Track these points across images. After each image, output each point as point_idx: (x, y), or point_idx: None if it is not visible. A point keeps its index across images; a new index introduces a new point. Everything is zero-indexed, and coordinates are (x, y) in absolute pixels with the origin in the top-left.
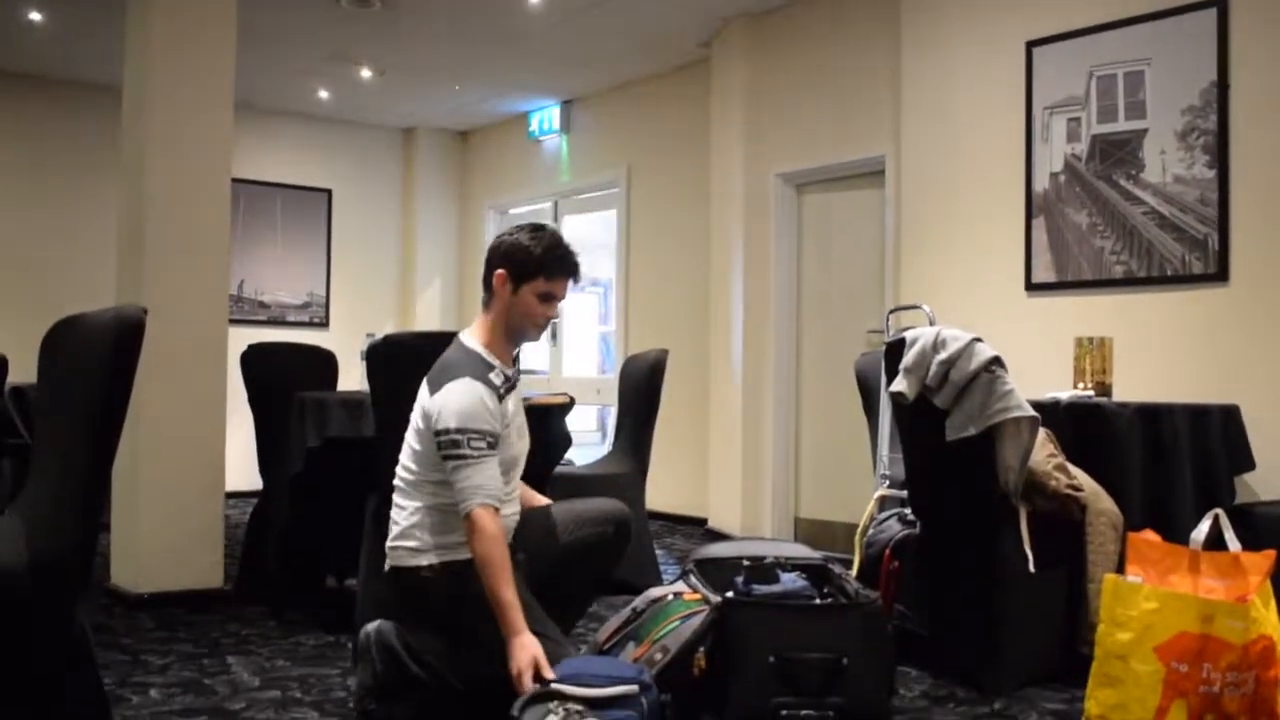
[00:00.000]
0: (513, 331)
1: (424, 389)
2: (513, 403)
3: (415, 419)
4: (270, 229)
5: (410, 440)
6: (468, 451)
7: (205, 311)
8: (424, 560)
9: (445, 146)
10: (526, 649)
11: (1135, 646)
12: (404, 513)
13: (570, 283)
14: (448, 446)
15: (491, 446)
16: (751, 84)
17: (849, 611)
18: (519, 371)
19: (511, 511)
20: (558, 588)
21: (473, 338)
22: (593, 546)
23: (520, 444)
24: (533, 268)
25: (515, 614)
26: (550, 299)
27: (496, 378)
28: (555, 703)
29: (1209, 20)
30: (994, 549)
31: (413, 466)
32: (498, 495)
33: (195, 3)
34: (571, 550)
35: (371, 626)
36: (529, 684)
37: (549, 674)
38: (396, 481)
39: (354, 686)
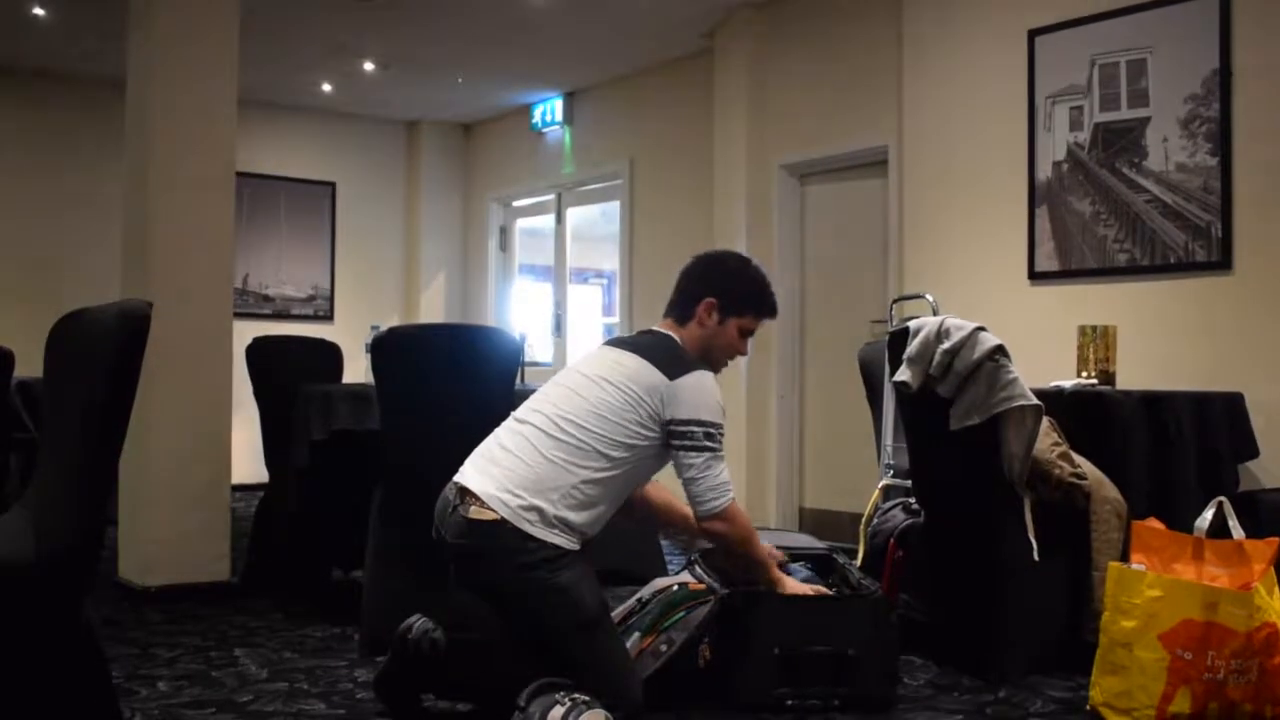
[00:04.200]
0: (708, 359)
1: (643, 364)
2: None
3: (616, 381)
4: (274, 222)
5: (594, 399)
6: (717, 446)
7: (210, 305)
8: (541, 533)
9: (448, 139)
10: (792, 585)
11: (1139, 634)
12: (549, 466)
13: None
14: (698, 438)
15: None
16: (754, 75)
17: (853, 602)
18: None
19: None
20: None
21: (679, 339)
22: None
23: None
24: (747, 304)
25: (773, 565)
26: (749, 335)
27: None
28: (562, 693)
29: (1211, 7)
30: (998, 538)
31: (594, 429)
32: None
33: None
34: None
35: (417, 627)
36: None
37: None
38: (546, 429)
39: (381, 667)
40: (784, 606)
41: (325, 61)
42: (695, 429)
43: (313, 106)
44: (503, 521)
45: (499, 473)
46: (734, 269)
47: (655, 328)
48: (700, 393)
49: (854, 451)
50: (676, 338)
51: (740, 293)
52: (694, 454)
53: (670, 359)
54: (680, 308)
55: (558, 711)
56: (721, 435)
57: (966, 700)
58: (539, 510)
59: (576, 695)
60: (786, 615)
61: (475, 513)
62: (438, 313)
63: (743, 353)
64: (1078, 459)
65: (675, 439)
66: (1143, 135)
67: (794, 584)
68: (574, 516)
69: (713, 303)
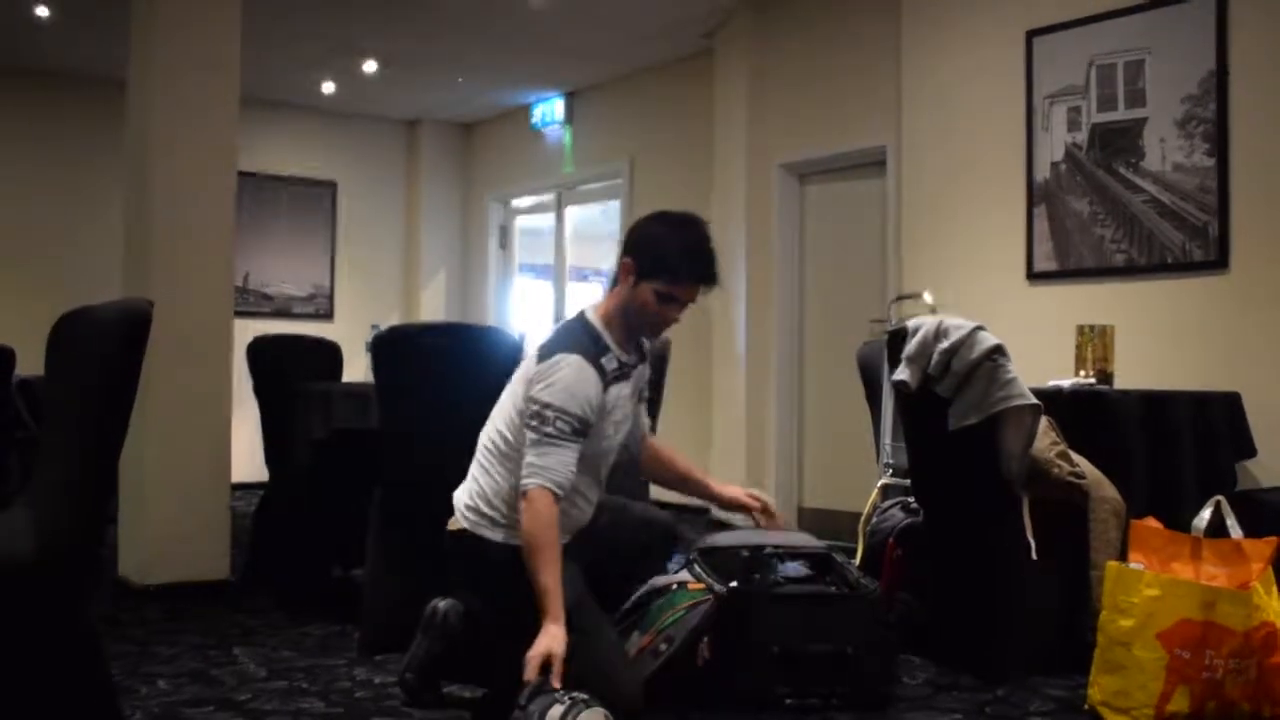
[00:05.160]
0: (630, 324)
1: (531, 356)
2: (619, 391)
3: (516, 387)
4: (275, 221)
5: (508, 408)
6: (550, 430)
7: (211, 304)
8: (497, 536)
9: (449, 138)
10: (546, 638)
11: (1138, 633)
12: (489, 479)
13: (701, 289)
14: (534, 417)
15: (577, 433)
16: (754, 74)
17: (851, 601)
18: (641, 359)
19: (586, 505)
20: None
21: (596, 315)
22: (635, 552)
23: (615, 438)
24: (659, 266)
25: (552, 600)
26: (672, 301)
27: (609, 362)
28: (560, 691)
29: (1208, 9)
30: (996, 537)
31: (509, 436)
32: (563, 482)
33: None
34: (611, 548)
35: (444, 605)
36: (532, 673)
37: (555, 679)
38: (485, 444)
39: (409, 652)
40: (783, 606)
41: (326, 61)
42: (532, 407)
43: (313, 106)
44: (464, 532)
45: (468, 485)
46: (654, 231)
47: (584, 307)
48: (548, 375)
49: (853, 451)
50: (595, 314)
51: (653, 254)
52: (528, 431)
53: (552, 344)
54: (615, 270)
55: (556, 710)
56: (559, 420)
57: (965, 699)
58: (492, 520)
59: (575, 694)
60: (786, 614)
61: (450, 524)
62: (438, 311)
63: (669, 320)
64: (1076, 458)
65: (528, 416)
66: (1140, 135)
67: (550, 636)
68: (518, 518)
69: (629, 263)
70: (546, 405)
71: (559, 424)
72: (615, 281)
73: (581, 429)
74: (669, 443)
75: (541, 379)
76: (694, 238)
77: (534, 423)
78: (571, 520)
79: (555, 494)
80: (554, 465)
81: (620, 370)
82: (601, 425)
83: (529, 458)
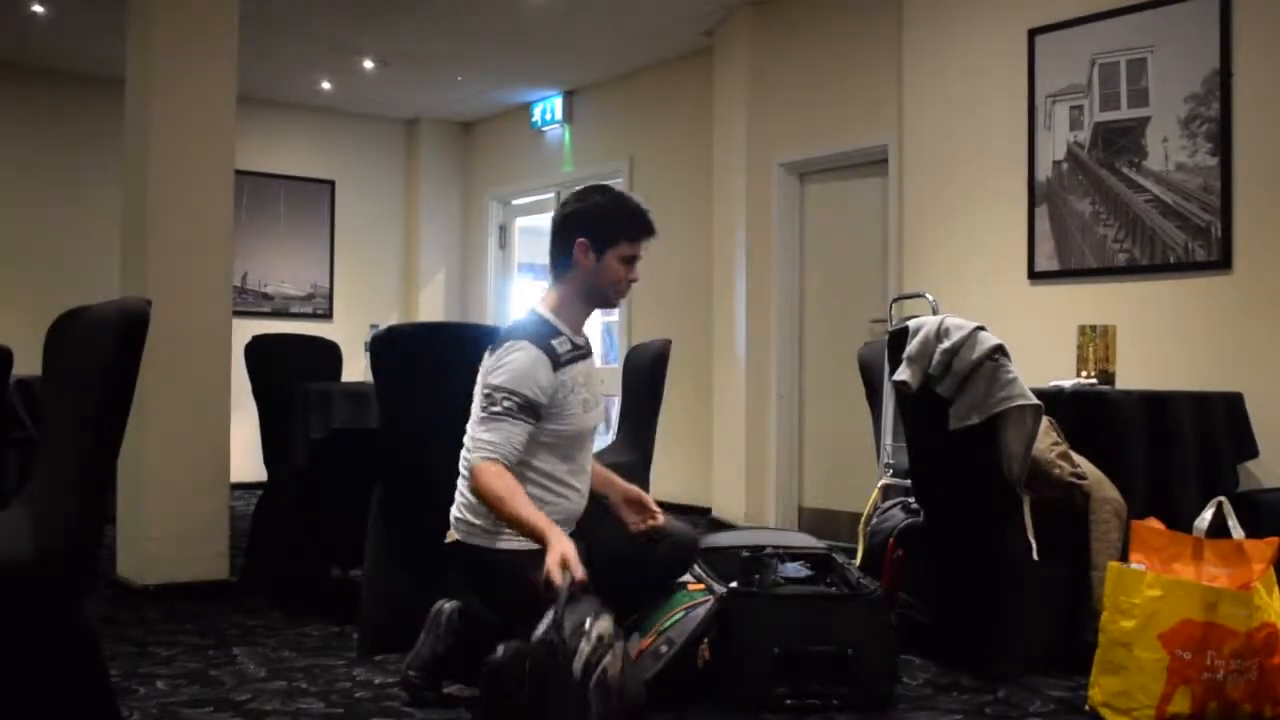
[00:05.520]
0: (593, 299)
1: (486, 354)
2: (578, 372)
3: (477, 389)
4: (274, 220)
5: (477, 413)
6: (495, 408)
7: (209, 303)
8: (492, 543)
9: (448, 137)
10: (553, 552)
11: (1139, 634)
12: (469, 485)
13: (646, 241)
14: (484, 399)
15: (524, 411)
16: (754, 73)
17: (851, 602)
18: (588, 343)
19: (576, 494)
20: (604, 590)
21: (544, 305)
22: (652, 561)
23: (586, 417)
24: (617, 232)
25: (540, 524)
26: (633, 261)
27: (561, 345)
28: (589, 621)
29: (1211, 7)
30: (997, 537)
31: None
32: (508, 454)
33: None
34: (631, 559)
35: (449, 605)
36: (557, 579)
37: (579, 572)
38: (465, 453)
39: (413, 650)
40: (783, 606)
41: (325, 59)
42: (483, 389)
43: (312, 104)
44: (459, 542)
45: (457, 497)
46: (595, 204)
47: (532, 304)
48: (498, 360)
49: (854, 451)
50: (544, 306)
51: (607, 224)
52: (479, 413)
53: (502, 337)
54: (557, 262)
55: (585, 647)
56: (506, 399)
57: (966, 700)
58: (483, 528)
59: (600, 629)
60: (786, 615)
61: (448, 536)
62: (437, 311)
63: (633, 279)
64: (1077, 459)
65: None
66: (1143, 135)
67: (554, 547)
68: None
69: (585, 243)
70: (496, 388)
71: (505, 403)
72: (569, 269)
73: (529, 408)
74: (668, 444)
75: (493, 367)
76: (626, 198)
77: (484, 403)
78: (564, 510)
79: (503, 465)
80: (499, 440)
81: (575, 350)
82: (567, 403)
83: (476, 433)
